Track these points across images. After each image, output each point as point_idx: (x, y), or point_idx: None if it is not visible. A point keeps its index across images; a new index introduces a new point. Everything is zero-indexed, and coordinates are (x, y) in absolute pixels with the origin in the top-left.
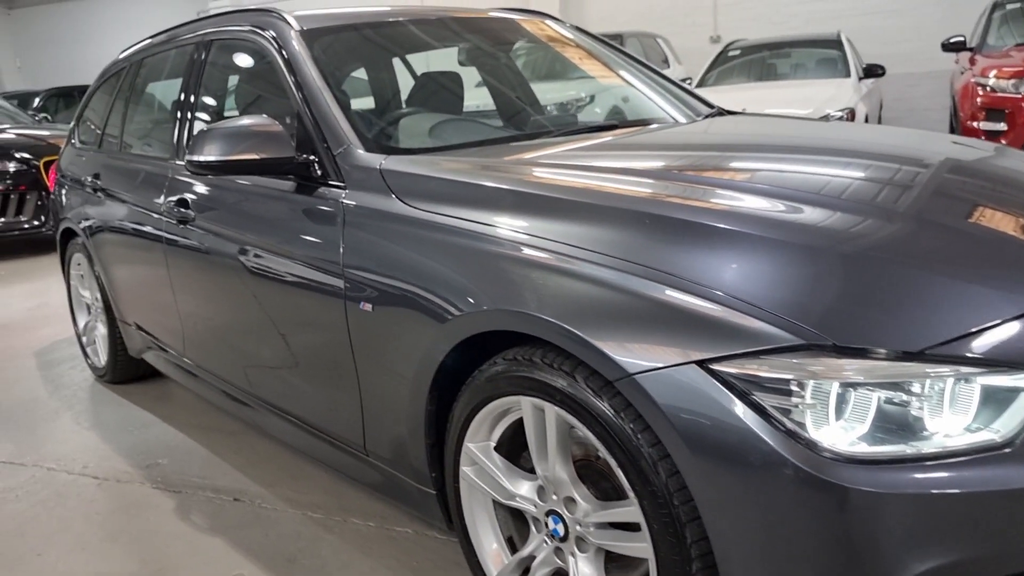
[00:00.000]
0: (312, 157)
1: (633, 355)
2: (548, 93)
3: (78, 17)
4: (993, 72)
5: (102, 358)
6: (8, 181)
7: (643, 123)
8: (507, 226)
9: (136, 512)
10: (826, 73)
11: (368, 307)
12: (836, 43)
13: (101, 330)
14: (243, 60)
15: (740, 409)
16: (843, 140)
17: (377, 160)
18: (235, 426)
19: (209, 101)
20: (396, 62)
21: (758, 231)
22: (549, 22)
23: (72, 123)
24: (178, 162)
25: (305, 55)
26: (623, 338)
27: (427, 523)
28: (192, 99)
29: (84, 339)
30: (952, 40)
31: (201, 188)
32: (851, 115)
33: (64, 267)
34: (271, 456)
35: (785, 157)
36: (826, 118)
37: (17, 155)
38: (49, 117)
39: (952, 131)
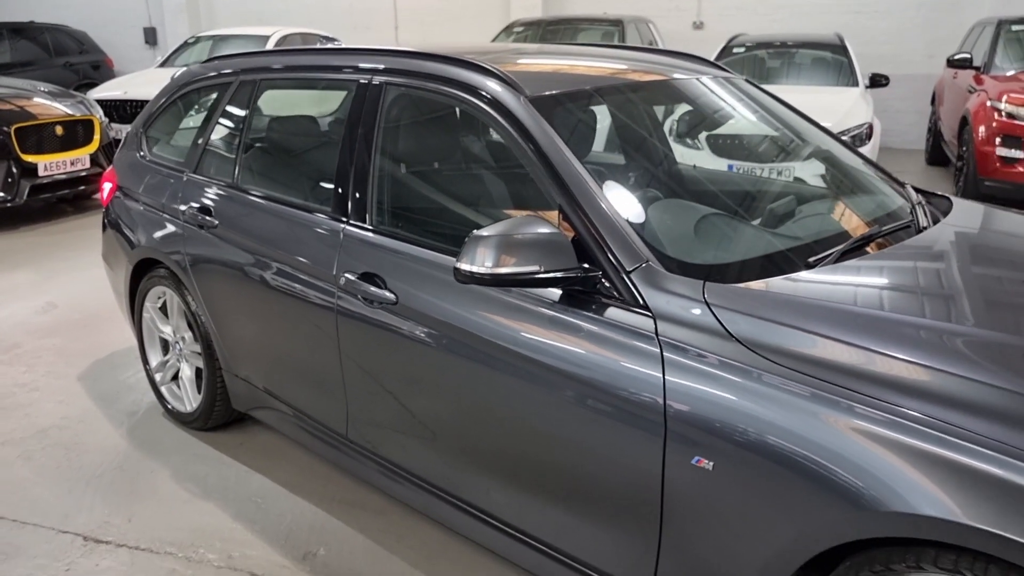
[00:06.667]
0: (595, 271)
1: None
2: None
3: None
4: (1005, 97)
5: (189, 403)
6: None
7: (908, 225)
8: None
9: None
10: (829, 78)
11: (707, 465)
12: (840, 47)
13: (187, 372)
14: (445, 122)
15: None
16: None
17: (694, 288)
18: (377, 502)
19: (395, 165)
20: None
21: None
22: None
23: (137, 127)
24: (353, 227)
25: (551, 136)
26: None
27: None
28: (367, 154)
29: (158, 378)
30: (957, 57)
31: (406, 267)
32: (869, 130)
33: (133, 301)
34: (442, 548)
35: None
36: (844, 134)
37: None
38: None
39: (930, 136)
